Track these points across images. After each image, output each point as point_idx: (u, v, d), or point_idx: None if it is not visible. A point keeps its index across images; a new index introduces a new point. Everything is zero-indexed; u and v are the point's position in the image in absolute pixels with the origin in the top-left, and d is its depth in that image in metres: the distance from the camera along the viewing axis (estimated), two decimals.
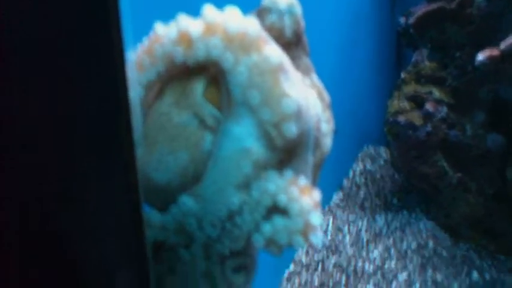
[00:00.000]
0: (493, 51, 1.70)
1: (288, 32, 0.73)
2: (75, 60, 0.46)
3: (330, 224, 2.19)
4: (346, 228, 2.17)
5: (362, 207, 2.30)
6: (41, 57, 0.43)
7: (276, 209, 0.69)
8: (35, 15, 0.43)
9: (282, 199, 0.68)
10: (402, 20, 2.32)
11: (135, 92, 0.72)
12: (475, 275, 1.98)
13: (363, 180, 2.46)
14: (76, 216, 0.48)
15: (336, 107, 2.34)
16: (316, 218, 0.69)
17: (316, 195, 0.69)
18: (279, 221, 0.69)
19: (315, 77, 0.76)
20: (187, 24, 0.70)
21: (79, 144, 0.47)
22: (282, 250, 0.72)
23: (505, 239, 2.02)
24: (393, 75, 2.32)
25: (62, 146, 0.46)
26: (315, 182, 0.74)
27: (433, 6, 2.13)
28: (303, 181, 0.69)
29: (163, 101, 0.73)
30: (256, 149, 0.67)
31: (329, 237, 2.12)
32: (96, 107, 0.48)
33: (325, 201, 2.31)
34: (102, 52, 0.47)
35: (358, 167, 2.56)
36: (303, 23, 0.76)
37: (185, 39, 0.69)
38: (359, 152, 2.66)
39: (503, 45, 1.68)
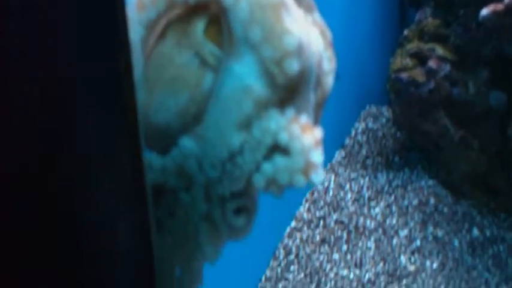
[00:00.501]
0: (497, 6, 1.69)
1: None
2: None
3: (332, 182, 2.20)
4: (347, 185, 2.18)
5: (364, 165, 2.30)
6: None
7: (277, 148, 0.69)
8: None
9: (283, 137, 0.68)
10: None
11: (135, 32, 0.72)
12: (475, 231, 2.00)
13: (364, 138, 2.46)
14: (75, 160, 0.47)
15: (339, 66, 2.32)
16: (317, 156, 0.68)
17: (318, 133, 0.69)
18: (279, 160, 0.69)
19: (317, 15, 0.75)
20: None
21: (77, 85, 0.46)
22: (283, 190, 0.72)
23: (506, 197, 2.03)
24: (397, 34, 2.30)
25: (58, 87, 0.45)
26: (317, 121, 0.74)
27: None
28: (304, 119, 0.69)
29: (164, 42, 0.73)
30: (257, 87, 0.67)
31: (331, 195, 2.13)
32: (95, 47, 0.47)
33: (327, 159, 2.31)
34: None
35: (361, 125, 2.55)
36: None
37: None
38: (361, 111, 2.66)
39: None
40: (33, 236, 0.45)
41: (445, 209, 2.04)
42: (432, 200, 2.07)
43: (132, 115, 0.52)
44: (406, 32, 2.18)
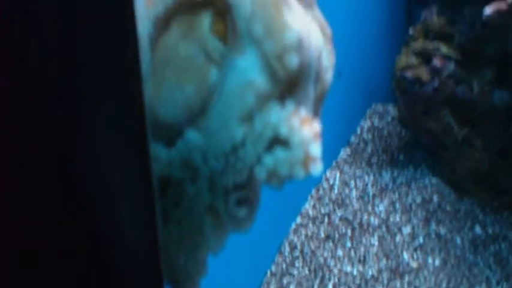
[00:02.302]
0: (501, 5, 1.70)
1: None
2: None
3: (337, 179, 2.22)
4: (352, 182, 2.20)
5: (369, 163, 2.32)
6: None
7: (278, 141, 0.71)
8: None
9: (283, 130, 0.70)
10: None
11: (143, 27, 0.74)
12: (477, 229, 2.01)
13: (370, 136, 2.47)
14: (84, 150, 0.48)
15: (345, 63, 2.34)
16: (316, 149, 0.71)
17: (317, 126, 0.71)
18: (280, 152, 0.71)
19: (317, 11, 0.77)
20: None
21: (86, 77, 0.48)
22: (283, 183, 0.74)
23: (509, 195, 2.04)
24: (402, 33, 2.32)
25: (68, 79, 0.46)
26: (317, 116, 0.76)
27: None
28: (304, 112, 0.71)
29: (170, 34, 0.75)
30: (259, 81, 0.69)
31: (336, 192, 2.14)
32: (104, 39, 0.49)
33: (333, 157, 2.33)
34: None
35: (366, 123, 2.57)
36: None
37: None
38: (367, 108, 2.67)
39: None
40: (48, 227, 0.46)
41: (448, 207, 2.05)
42: (435, 198, 2.09)
43: (140, 107, 0.54)
44: (411, 31, 2.19)
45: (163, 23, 0.75)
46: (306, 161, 0.71)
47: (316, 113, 0.75)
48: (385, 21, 2.76)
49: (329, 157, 2.28)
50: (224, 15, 0.72)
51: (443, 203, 2.07)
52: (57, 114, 0.45)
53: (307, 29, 0.70)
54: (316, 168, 0.71)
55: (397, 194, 2.12)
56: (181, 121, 0.73)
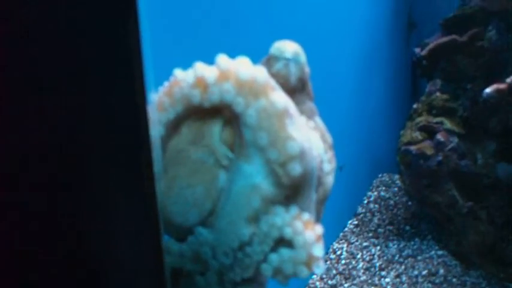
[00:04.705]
0: (500, 85, 1.75)
1: (293, 79, 0.80)
2: (103, 101, 0.51)
3: (344, 251, 2.24)
4: (359, 254, 2.22)
5: (375, 234, 2.34)
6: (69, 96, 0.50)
7: (283, 241, 0.76)
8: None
9: (288, 232, 0.75)
10: (417, 50, 2.36)
11: (155, 130, 0.79)
12: None
13: (377, 207, 2.50)
14: (104, 245, 0.53)
15: (353, 136, 2.38)
16: (318, 250, 0.75)
17: (319, 229, 0.75)
18: (285, 252, 0.76)
19: (318, 119, 0.82)
20: (203, 70, 0.77)
21: (105, 179, 0.52)
22: (288, 279, 0.78)
23: None
24: (409, 105, 2.37)
25: (90, 182, 0.51)
26: (319, 217, 0.81)
27: (445, 38, 2.19)
28: (307, 216, 0.76)
29: (181, 138, 0.80)
30: (264, 185, 0.74)
31: (343, 263, 2.16)
32: (119, 143, 0.53)
33: (340, 228, 2.35)
34: (126, 94, 0.52)
35: (373, 194, 2.60)
36: (307, 70, 0.83)
37: (201, 83, 0.77)
38: (374, 179, 2.71)
39: (510, 79, 1.74)
40: None
41: (454, 280, 2.06)
42: (442, 270, 2.10)
43: (153, 203, 0.57)
44: (415, 106, 2.25)
45: (173, 126, 0.81)
46: (309, 261, 0.75)
47: (319, 214, 0.80)
48: (392, 94, 2.82)
49: (336, 229, 2.31)
50: (232, 123, 0.77)
51: (449, 275, 2.08)
52: (82, 217, 0.51)
53: (308, 139, 0.75)
54: (319, 268, 0.75)
55: (403, 266, 2.14)
56: (192, 218, 0.78)
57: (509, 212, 2.01)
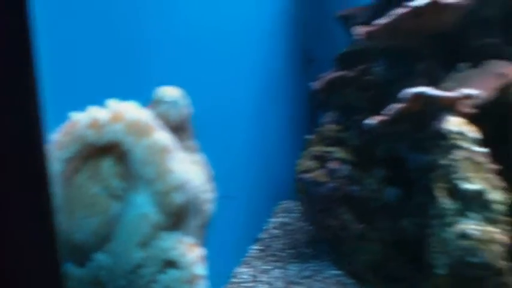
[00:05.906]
0: (383, 117, 1.90)
1: (173, 119, 0.92)
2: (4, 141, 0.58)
3: (247, 274, 2.33)
4: (261, 277, 2.31)
5: (277, 258, 2.44)
6: None
7: (170, 263, 0.86)
8: None
9: (174, 254, 0.86)
10: (313, 84, 2.49)
11: (55, 167, 0.88)
12: None
13: (278, 232, 2.62)
14: (7, 274, 0.59)
15: (252, 165, 2.47)
16: (200, 269, 0.87)
17: (200, 251, 0.87)
18: (172, 272, 0.87)
19: (198, 155, 0.94)
20: (97, 112, 0.88)
21: (8, 213, 0.59)
22: None
23: (404, 283, 2.19)
24: (307, 135, 2.47)
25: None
26: (202, 240, 0.92)
27: (337, 73, 2.35)
28: (190, 240, 0.87)
29: (79, 175, 0.90)
30: (152, 214, 0.85)
31: (244, 286, 2.25)
32: (20, 179, 0.60)
33: (242, 254, 2.45)
34: (28, 137, 0.60)
35: (275, 219, 2.73)
36: (187, 112, 0.95)
37: (95, 124, 0.87)
38: (275, 206, 2.84)
39: (389, 110, 1.88)
40: None
41: None
42: None
43: (53, 234, 0.64)
44: (310, 136, 2.39)
45: (73, 163, 0.90)
46: (193, 279, 0.86)
47: (200, 238, 0.91)
48: (291, 125, 2.95)
49: (238, 254, 2.40)
50: (122, 159, 0.87)
51: None
52: None
53: (188, 172, 0.87)
54: (202, 285, 0.87)
55: (302, 286, 2.25)
56: (90, 245, 0.88)
57: (397, 232, 2.15)
